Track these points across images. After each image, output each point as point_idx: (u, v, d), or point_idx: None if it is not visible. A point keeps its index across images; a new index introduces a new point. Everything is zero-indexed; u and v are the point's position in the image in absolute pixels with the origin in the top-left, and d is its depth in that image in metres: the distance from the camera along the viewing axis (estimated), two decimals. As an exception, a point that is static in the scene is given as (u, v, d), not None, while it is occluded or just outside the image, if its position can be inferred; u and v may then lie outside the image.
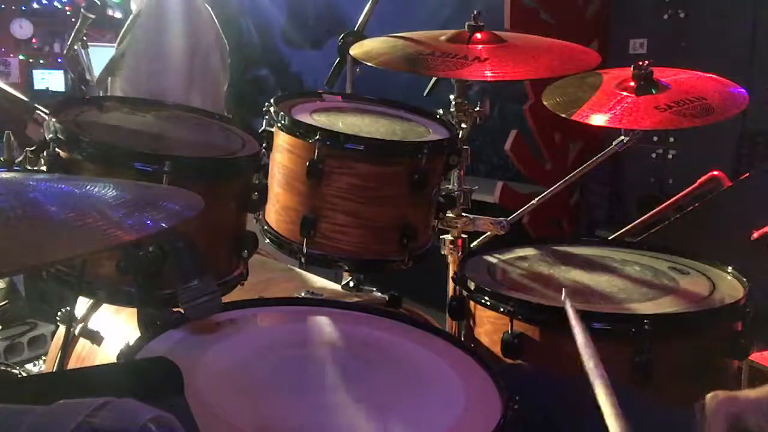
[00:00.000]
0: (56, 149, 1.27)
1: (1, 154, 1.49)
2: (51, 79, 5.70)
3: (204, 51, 2.72)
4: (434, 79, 2.06)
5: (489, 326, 1.47)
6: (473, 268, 1.63)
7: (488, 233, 1.98)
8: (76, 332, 1.60)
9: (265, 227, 1.62)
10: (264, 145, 1.51)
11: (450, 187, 1.81)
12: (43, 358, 3.16)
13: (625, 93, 1.82)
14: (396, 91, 1.91)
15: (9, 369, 2.85)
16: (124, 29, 2.75)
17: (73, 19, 4.25)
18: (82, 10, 2.43)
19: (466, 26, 1.82)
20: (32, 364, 3.18)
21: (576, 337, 1.12)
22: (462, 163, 1.75)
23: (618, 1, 4.03)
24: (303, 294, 1.70)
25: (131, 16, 2.78)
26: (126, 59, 2.64)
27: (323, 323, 1.33)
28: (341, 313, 1.39)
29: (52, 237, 0.60)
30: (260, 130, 1.58)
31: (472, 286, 1.51)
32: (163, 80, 2.64)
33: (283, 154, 1.56)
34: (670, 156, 3.80)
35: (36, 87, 5.68)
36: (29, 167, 1.33)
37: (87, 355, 1.59)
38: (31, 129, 2.45)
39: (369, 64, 1.80)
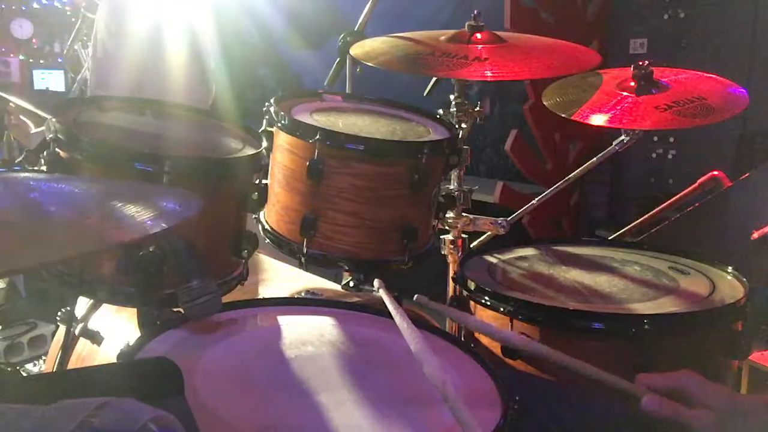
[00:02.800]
0: (56, 149, 1.27)
1: (1, 154, 1.49)
2: (51, 79, 5.69)
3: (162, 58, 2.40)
4: (434, 79, 2.06)
5: (489, 326, 1.47)
6: (473, 268, 1.64)
7: (488, 233, 1.98)
8: (76, 332, 1.59)
9: (265, 227, 1.62)
10: (264, 145, 1.51)
11: (450, 187, 1.81)
12: (43, 358, 3.17)
13: (625, 93, 1.82)
14: (396, 91, 1.91)
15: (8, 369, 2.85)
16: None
17: (73, 19, 4.25)
18: (82, 10, 2.42)
19: (466, 26, 1.82)
20: (32, 364, 3.19)
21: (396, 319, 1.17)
22: (462, 163, 1.75)
23: (618, 1, 4.04)
24: (303, 294, 1.69)
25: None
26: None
27: (323, 323, 1.33)
28: (341, 313, 1.39)
29: (52, 237, 0.60)
30: (260, 130, 1.58)
31: (472, 286, 1.51)
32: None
33: (283, 154, 1.56)
34: (670, 156, 3.80)
35: (36, 87, 5.67)
36: (29, 167, 1.33)
37: (87, 355, 1.59)
38: (19, 132, 2.41)
39: (369, 64, 1.80)
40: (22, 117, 2.39)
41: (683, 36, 3.67)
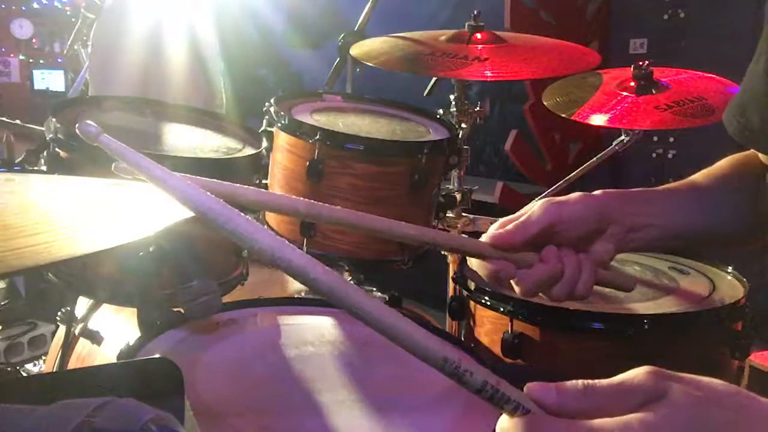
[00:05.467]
0: (56, 149, 1.27)
1: (2, 155, 1.49)
2: (51, 79, 5.69)
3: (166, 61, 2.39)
4: (434, 79, 2.06)
5: (489, 326, 1.47)
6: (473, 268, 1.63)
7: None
8: (76, 332, 1.60)
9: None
10: (264, 145, 1.51)
11: (450, 187, 1.81)
12: (43, 358, 3.16)
13: (625, 93, 1.82)
14: (396, 91, 1.91)
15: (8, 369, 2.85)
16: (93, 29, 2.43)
17: (73, 19, 4.25)
18: (82, 10, 2.41)
19: (466, 26, 1.82)
20: (32, 364, 3.18)
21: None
22: (462, 163, 1.75)
23: (618, 1, 4.03)
24: (303, 294, 1.69)
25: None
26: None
27: (323, 323, 1.33)
28: (341, 313, 1.39)
29: (52, 237, 0.60)
30: (260, 130, 1.58)
31: (472, 286, 1.51)
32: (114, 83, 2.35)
33: (283, 154, 1.56)
34: (670, 156, 3.80)
35: (36, 87, 5.68)
36: (29, 167, 1.33)
37: (87, 355, 1.59)
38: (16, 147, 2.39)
39: (369, 64, 1.80)
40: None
41: (683, 36, 3.67)
